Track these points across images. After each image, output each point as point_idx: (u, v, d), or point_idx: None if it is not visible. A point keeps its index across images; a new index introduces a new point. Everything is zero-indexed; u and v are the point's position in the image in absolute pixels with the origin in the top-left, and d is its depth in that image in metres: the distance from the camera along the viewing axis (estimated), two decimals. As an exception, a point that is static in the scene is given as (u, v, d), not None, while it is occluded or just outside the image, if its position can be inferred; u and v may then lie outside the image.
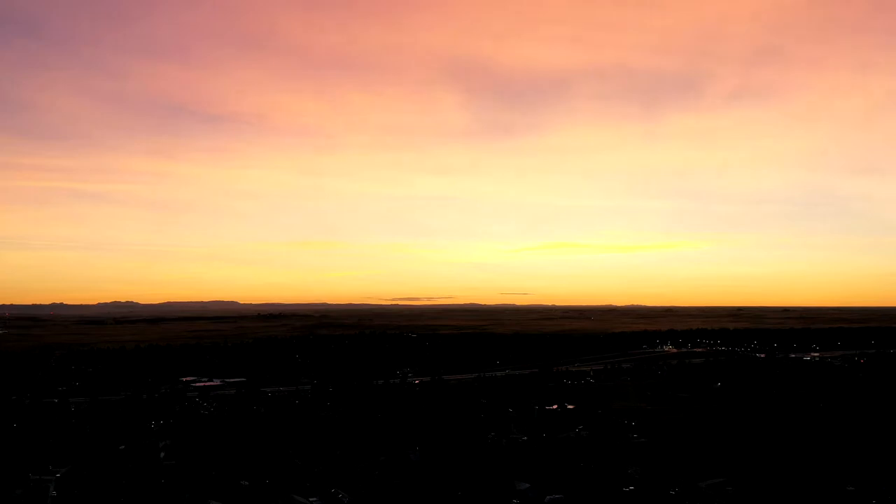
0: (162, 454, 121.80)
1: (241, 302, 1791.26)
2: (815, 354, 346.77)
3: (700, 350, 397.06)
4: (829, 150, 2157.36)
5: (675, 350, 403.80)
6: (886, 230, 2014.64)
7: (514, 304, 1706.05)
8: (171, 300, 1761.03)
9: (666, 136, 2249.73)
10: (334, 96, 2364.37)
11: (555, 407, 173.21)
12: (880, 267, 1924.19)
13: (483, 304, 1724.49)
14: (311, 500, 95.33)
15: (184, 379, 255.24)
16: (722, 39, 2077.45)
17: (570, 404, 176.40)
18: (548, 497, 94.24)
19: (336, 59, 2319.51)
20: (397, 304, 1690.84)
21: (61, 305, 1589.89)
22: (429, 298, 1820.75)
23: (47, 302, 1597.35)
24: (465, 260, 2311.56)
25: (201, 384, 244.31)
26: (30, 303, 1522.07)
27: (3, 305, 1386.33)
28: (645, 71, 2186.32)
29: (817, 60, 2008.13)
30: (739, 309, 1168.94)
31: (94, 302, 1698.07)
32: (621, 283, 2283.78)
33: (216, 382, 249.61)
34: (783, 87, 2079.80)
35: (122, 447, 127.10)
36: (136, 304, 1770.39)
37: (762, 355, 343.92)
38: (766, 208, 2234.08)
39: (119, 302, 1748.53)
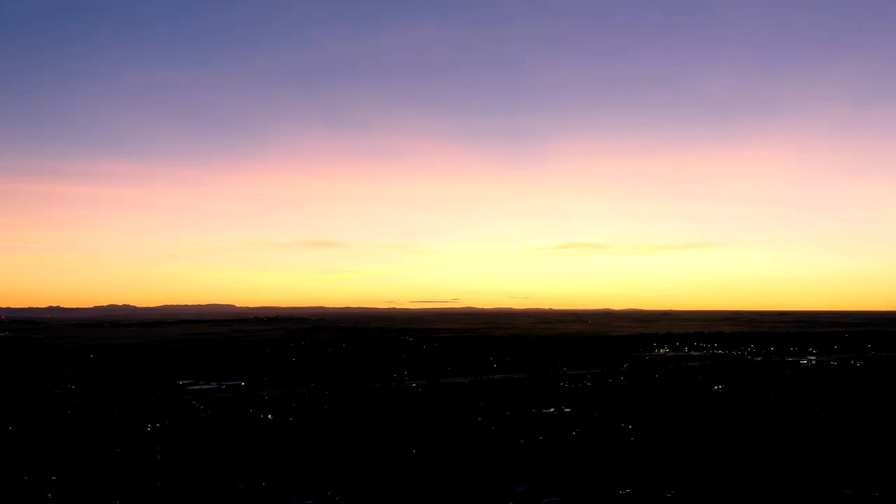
0: (158, 457, 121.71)
1: (238, 305, 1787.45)
2: (812, 358, 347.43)
3: (697, 353, 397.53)
4: (826, 154, 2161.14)
5: (671, 353, 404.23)
6: (884, 234, 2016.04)
7: (511, 308, 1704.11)
8: (168, 303, 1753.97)
9: (665, 139, 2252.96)
10: (332, 96, 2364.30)
11: (551, 410, 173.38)
12: (877, 271, 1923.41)
13: (480, 307, 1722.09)
14: (307, 503, 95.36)
15: (180, 382, 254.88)
16: (735, 45, 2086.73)
17: (566, 407, 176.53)
18: (544, 500, 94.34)
19: (337, 59, 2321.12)
20: (394, 308, 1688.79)
21: (58, 308, 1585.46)
22: (426, 302, 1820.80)
23: (43, 305, 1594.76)
24: (462, 263, 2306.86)
25: (198, 387, 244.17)
26: (26, 305, 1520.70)
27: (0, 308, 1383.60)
28: (644, 71, 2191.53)
29: (820, 67, 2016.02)
30: (736, 312, 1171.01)
31: (91, 305, 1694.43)
32: (618, 287, 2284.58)
33: (213, 385, 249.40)
34: (782, 90, 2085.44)
35: (118, 450, 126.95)
36: (133, 307, 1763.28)
37: (759, 359, 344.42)
38: (763, 211, 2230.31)
39: (116, 305, 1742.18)
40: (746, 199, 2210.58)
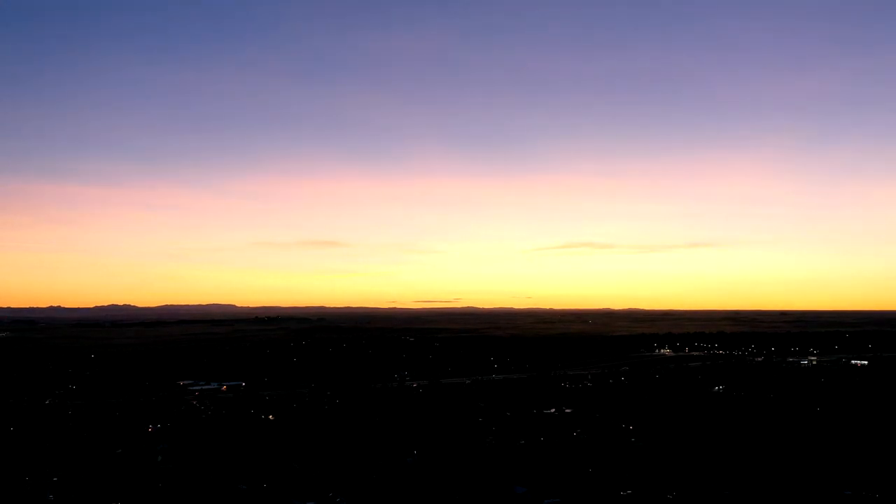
0: (159, 458, 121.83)
1: (239, 305, 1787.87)
2: (813, 359, 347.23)
3: (697, 354, 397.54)
4: (826, 154, 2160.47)
5: (672, 354, 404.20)
6: (884, 234, 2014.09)
7: (512, 308, 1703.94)
8: (169, 303, 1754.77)
9: (666, 139, 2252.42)
10: (332, 96, 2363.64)
11: (552, 411, 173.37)
12: (877, 271, 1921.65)
13: (481, 307, 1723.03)
14: None
15: (181, 382, 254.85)
16: (736, 46, 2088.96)
17: (567, 408, 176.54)
18: (545, 501, 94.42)
19: (337, 60, 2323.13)
20: (395, 308, 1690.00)
21: (58, 308, 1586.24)
22: (427, 302, 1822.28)
23: (44, 305, 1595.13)
24: (463, 263, 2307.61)
25: (199, 388, 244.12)
26: (26, 305, 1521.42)
27: (0, 308, 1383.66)
28: (644, 71, 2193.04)
29: (821, 68, 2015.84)
30: (737, 312, 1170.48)
31: (91, 305, 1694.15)
32: (619, 287, 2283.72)
33: (214, 386, 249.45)
34: (782, 91, 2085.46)
35: (120, 451, 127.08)
36: (134, 306, 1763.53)
37: (760, 359, 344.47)
38: (763, 211, 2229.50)
39: (116, 305, 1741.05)
40: (747, 199, 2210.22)
